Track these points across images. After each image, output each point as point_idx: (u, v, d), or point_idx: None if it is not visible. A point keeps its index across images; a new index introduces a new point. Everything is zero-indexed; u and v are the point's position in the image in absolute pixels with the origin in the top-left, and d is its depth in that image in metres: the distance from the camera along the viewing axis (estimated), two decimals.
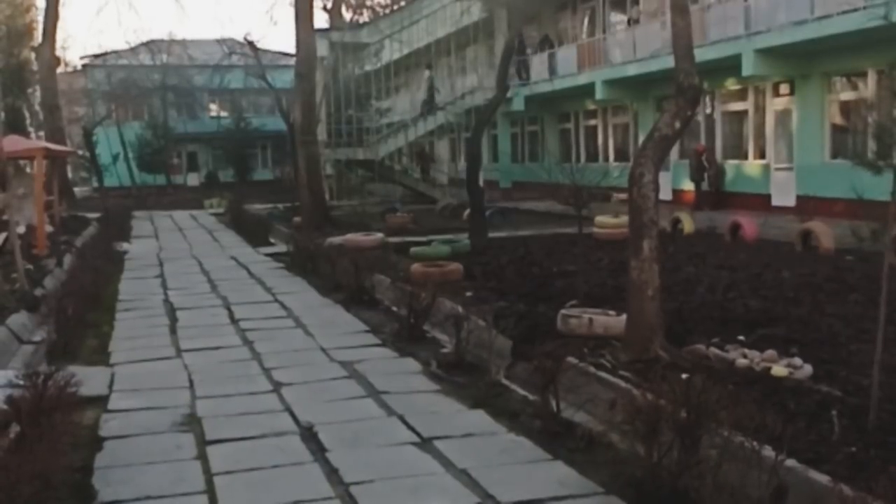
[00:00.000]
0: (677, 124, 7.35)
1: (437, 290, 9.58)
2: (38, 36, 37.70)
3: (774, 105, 22.07)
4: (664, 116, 7.46)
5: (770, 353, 6.92)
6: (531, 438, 5.75)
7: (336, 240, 16.64)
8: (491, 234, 16.84)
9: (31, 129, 39.05)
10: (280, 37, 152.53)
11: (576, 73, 28.82)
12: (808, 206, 18.49)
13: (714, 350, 7.12)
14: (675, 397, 4.31)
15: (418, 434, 5.94)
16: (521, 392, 6.89)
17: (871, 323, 8.08)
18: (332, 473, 5.23)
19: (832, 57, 19.48)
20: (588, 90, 27.71)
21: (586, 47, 29.06)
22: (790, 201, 20.54)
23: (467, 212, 19.25)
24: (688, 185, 24.37)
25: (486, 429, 6.06)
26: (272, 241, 20.61)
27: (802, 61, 20.08)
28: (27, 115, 40.45)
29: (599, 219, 17.78)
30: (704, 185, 23.75)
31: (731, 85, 23.20)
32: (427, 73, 33.53)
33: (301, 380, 7.56)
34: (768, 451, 4.12)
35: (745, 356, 6.96)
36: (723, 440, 4.19)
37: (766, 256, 13.35)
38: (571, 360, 6.63)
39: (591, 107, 30.62)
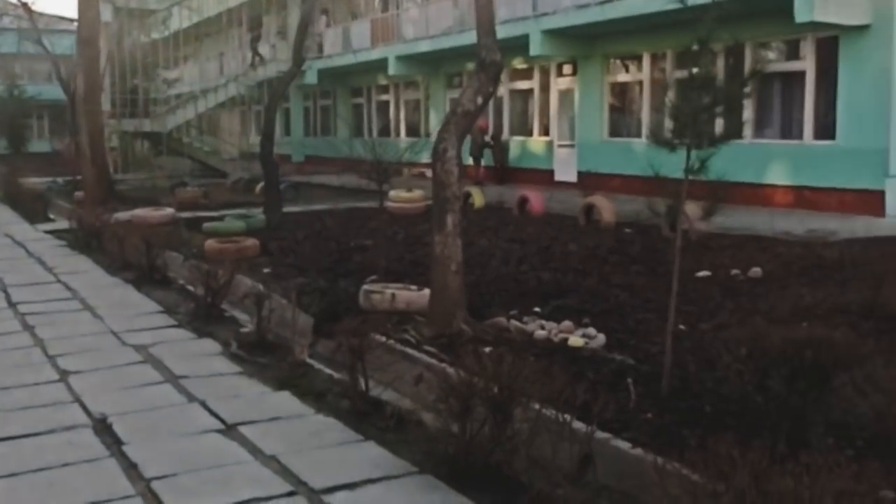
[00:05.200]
0: (479, 100, 7.46)
1: (234, 267, 9.28)
2: None
3: (558, 84, 23.02)
4: (466, 92, 7.55)
5: (567, 323, 7.22)
6: (340, 419, 5.67)
7: (123, 215, 15.76)
8: (286, 209, 16.53)
9: None
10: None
11: (369, 48, 28.75)
12: (588, 181, 19.48)
13: (514, 322, 7.33)
14: (487, 373, 4.37)
15: (222, 420, 5.71)
16: (327, 371, 6.80)
17: (653, 293, 8.65)
18: (130, 469, 4.92)
19: (612, 40, 20.55)
20: (381, 65, 27.73)
21: (380, 22, 29.03)
22: (572, 177, 21.54)
23: (260, 186, 18.79)
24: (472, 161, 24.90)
25: (293, 411, 5.92)
26: (52, 217, 19.25)
27: (585, 43, 21.06)
28: None
29: (394, 193, 17.91)
30: (484, 161, 24.29)
31: (519, 64, 23.93)
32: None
33: (91, 367, 7.07)
34: (578, 424, 4.28)
35: (543, 327, 7.22)
36: (534, 414, 4.30)
37: (553, 230, 13.95)
38: (378, 337, 6.60)
39: (384, 82, 30.67)
